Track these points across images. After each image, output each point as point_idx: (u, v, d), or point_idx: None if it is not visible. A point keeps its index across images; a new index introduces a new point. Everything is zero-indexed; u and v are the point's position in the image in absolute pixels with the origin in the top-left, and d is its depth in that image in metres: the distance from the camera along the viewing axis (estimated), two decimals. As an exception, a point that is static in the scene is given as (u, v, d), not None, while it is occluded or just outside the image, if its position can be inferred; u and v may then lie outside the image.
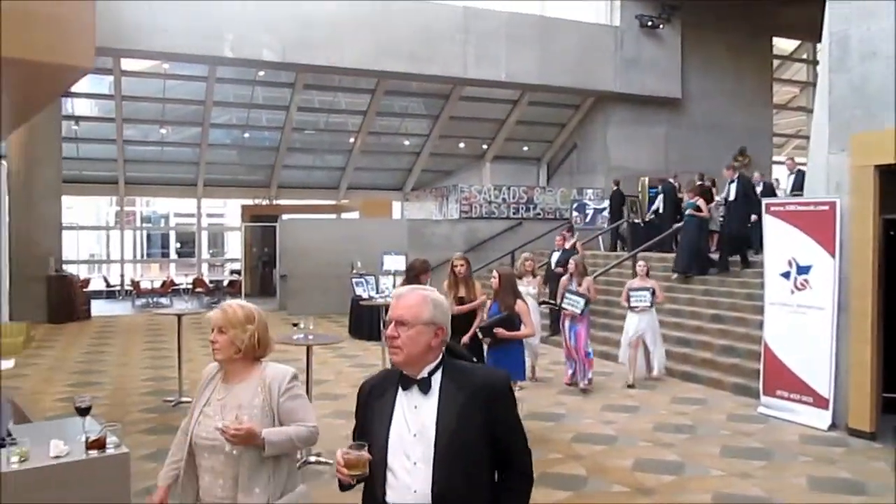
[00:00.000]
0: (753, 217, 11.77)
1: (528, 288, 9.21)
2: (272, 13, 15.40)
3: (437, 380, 2.21)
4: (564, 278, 9.48)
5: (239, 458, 2.64)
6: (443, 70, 17.15)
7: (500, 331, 6.29)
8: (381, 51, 16.40)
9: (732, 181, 11.92)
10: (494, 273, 6.77)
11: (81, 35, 3.21)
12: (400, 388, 2.22)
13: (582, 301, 8.80)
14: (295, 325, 6.46)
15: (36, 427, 3.89)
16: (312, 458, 6.03)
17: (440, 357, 2.24)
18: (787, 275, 7.60)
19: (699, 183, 14.42)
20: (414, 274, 6.80)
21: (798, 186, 11.83)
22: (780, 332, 7.67)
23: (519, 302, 6.50)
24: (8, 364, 10.33)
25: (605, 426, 7.29)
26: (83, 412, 3.37)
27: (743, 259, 11.82)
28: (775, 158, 22.09)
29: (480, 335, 6.45)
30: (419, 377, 2.21)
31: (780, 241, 7.70)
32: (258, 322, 2.79)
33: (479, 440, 2.15)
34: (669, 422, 7.42)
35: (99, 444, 3.21)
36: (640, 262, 9.86)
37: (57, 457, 3.13)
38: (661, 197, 15.79)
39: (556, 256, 11.92)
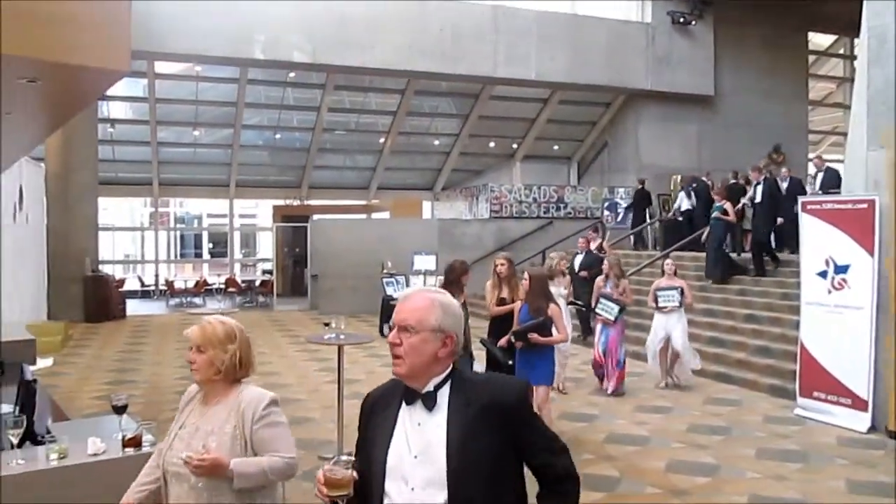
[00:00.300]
0: (779, 220, 11.60)
1: (559, 288, 8.66)
2: (303, 15, 15.50)
3: (444, 395, 1.98)
4: (600, 279, 8.96)
5: (204, 489, 2.43)
6: (472, 69, 17.14)
7: (534, 336, 5.99)
8: (410, 51, 16.43)
9: (759, 183, 11.78)
10: (525, 274, 6.38)
11: (117, 37, 3.25)
12: (403, 403, 2.01)
13: (616, 308, 8.44)
14: (326, 324, 6.47)
15: (73, 425, 3.97)
16: (344, 458, 6.03)
17: (449, 369, 2.01)
18: (824, 274, 7.46)
19: (732, 182, 14.23)
20: (454, 276, 6.52)
21: (829, 184, 11.61)
22: (816, 333, 7.54)
23: (552, 305, 6.17)
24: (46, 362, 10.54)
25: (638, 427, 7.22)
26: (120, 410, 3.42)
27: (773, 258, 11.69)
28: (811, 156, 21.69)
29: (514, 340, 6.13)
30: (424, 391, 1.98)
31: (817, 240, 7.57)
32: (240, 340, 2.59)
33: (499, 458, 1.94)
34: (703, 423, 7.33)
35: (135, 443, 3.25)
36: (668, 261, 9.41)
37: (94, 454, 3.18)
38: (682, 194, 15.64)
39: (579, 259, 11.63)
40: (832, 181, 11.61)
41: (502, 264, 6.97)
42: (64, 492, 3.01)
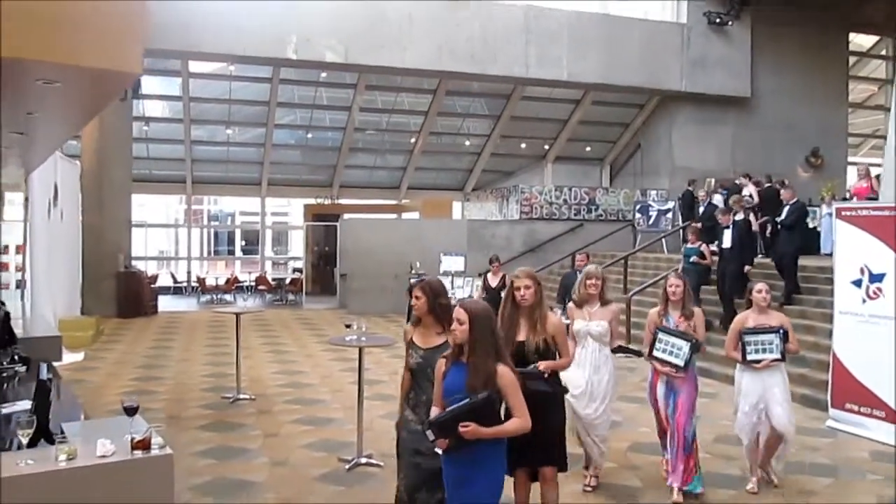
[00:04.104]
0: (747, 268, 10.56)
1: (589, 324, 5.45)
2: (335, 15, 15.57)
3: None
4: (654, 311, 5.62)
5: None
6: (504, 70, 17.07)
7: (472, 430, 3.21)
8: (442, 51, 16.42)
9: (727, 226, 10.68)
10: (459, 312, 3.41)
11: (129, 40, 3.27)
12: None
13: (686, 346, 5.22)
14: (348, 326, 6.45)
15: (89, 425, 3.98)
16: (363, 460, 6.02)
17: None
18: (858, 283, 7.25)
19: (766, 185, 13.83)
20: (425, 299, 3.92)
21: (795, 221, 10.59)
22: (850, 343, 7.33)
23: (502, 369, 3.34)
24: (77, 357, 10.70)
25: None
26: (130, 412, 3.41)
27: (725, 319, 10.03)
28: (850, 159, 21.24)
29: (431, 435, 3.27)
30: None
31: (852, 248, 7.36)
32: None
33: None
34: (732, 433, 7.13)
35: (144, 445, 3.24)
36: (760, 286, 5.60)
37: (103, 456, 3.17)
38: (718, 197, 15.35)
39: (580, 279, 9.95)
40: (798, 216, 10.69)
41: (528, 287, 4.28)
42: (70, 493, 3.01)
